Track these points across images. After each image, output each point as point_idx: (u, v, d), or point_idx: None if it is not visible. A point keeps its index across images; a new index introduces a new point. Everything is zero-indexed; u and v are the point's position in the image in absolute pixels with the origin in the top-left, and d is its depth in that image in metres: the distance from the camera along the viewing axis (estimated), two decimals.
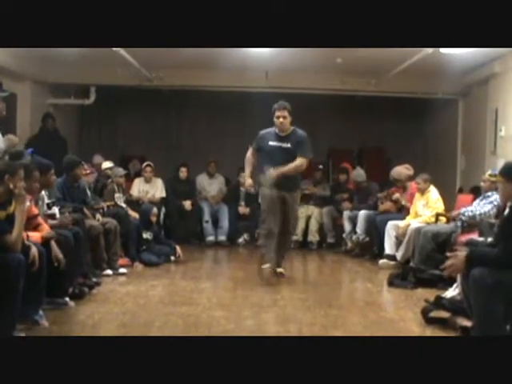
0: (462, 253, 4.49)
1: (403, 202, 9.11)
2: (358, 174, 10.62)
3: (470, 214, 7.48)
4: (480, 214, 7.37)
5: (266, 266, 7.19)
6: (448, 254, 4.74)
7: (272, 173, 7.13)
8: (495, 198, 7.33)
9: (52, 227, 5.72)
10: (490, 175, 7.45)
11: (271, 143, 7.32)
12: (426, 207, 8.42)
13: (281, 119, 7.22)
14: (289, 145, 7.26)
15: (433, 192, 8.51)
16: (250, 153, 7.58)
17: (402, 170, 9.24)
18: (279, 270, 7.53)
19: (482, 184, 7.85)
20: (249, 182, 7.58)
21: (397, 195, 9.20)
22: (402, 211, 9.16)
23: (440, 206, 8.42)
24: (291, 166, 7.18)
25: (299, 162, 7.24)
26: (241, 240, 10.90)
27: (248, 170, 7.62)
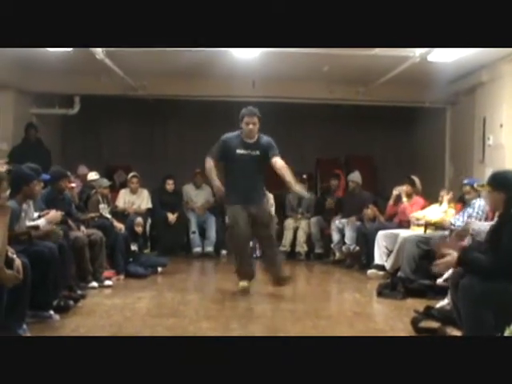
0: (454, 253, 4.46)
1: (404, 199, 9.07)
2: (355, 174, 10.38)
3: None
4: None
5: (243, 283, 7.06)
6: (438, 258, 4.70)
7: (302, 191, 7.34)
8: (479, 204, 7.35)
9: (36, 238, 5.63)
10: (472, 187, 7.50)
11: (239, 151, 7.04)
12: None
13: (250, 126, 6.95)
14: (257, 152, 7.01)
15: None
16: (210, 164, 7.19)
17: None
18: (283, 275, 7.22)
19: (466, 197, 7.84)
20: (217, 184, 7.12)
21: (398, 189, 9.19)
22: (392, 220, 9.16)
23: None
24: (287, 171, 6.90)
25: (282, 162, 6.93)
26: (224, 252, 10.70)
27: (213, 175, 7.17)
